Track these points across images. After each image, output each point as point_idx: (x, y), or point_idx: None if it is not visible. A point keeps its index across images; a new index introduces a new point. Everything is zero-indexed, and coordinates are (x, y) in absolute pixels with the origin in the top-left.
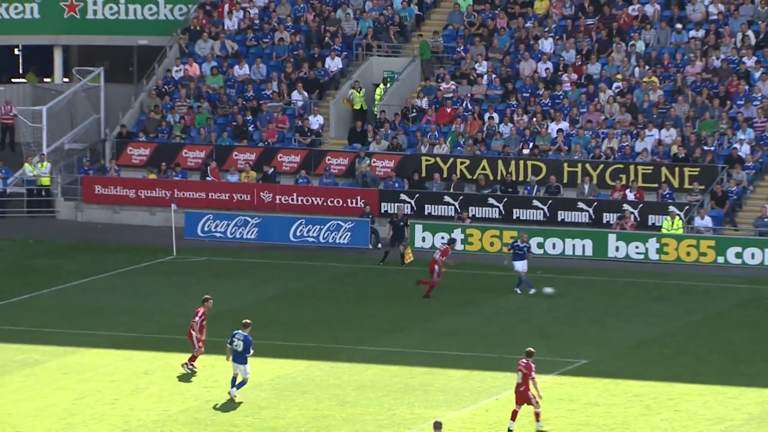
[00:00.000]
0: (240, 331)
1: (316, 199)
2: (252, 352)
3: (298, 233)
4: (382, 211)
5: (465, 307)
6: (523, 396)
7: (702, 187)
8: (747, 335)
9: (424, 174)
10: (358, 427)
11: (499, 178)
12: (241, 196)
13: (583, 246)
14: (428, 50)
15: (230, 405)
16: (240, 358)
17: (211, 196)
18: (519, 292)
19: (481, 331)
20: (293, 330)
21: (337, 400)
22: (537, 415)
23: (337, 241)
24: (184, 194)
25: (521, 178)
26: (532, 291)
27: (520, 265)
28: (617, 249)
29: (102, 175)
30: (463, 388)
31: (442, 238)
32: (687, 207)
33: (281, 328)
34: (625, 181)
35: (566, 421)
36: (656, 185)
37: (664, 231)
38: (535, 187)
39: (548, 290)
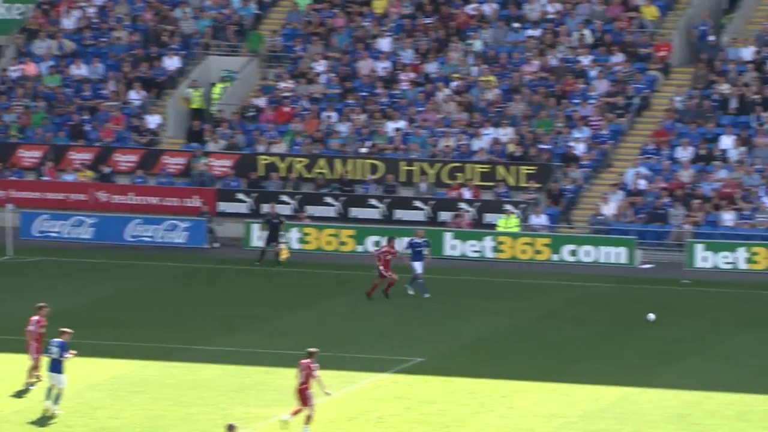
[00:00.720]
0: (57, 339)
1: (152, 199)
2: (68, 357)
3: (134, 233)
4: (219, 210)
5: (301, 306)
6: (303, 396)
7: (538, 185)
8: (581, 333)
9: (261, 173)
10: (193, 427)
11: (336, 176)
12: (77, 196)
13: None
14: (259, 42)
15: (63, 404)
16: (56, 367)
17: (47, 195)
18: (411, 292)
19: (317, 331)
20: (129, 330)
21: (173, 400)
22: (308, 418)
23: (174, 240)
24: (19, 194)
25: (359, 177)
26: (414, 293)
27: (419, 266)
28: (453, 247)
29: None
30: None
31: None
32: (523, 205)
33: (116, 328)
34: (462, 180)
35: (402, 419)
36: (493, 184)
37: (499, 229)
38: (373, 185)
39: (652, 317)
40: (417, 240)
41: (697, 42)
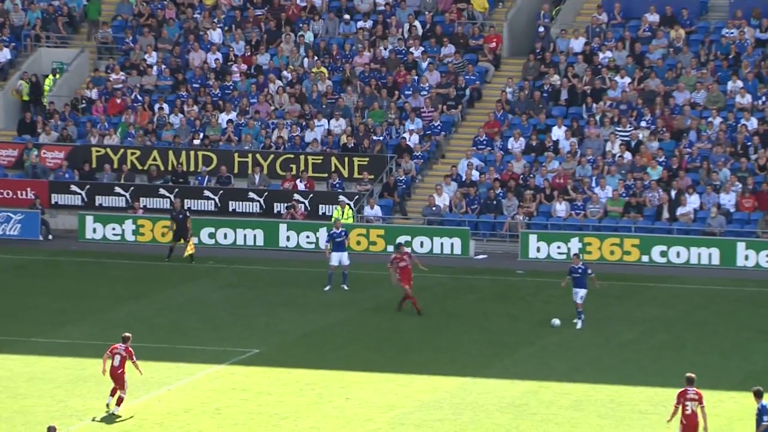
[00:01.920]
0: None
1: None
2: None
3: None
4: (53, 202)
5: (136, 298)
6: (119, 378)
7: (372, 176)
8: (417, 323)
9: (94, 165)
10: (29, 419)
11: (170, 168)
12: None
13: (255, 236)
14: (97, 12)
15: None
16: None
17: None
18: (346, 288)
19: (153, 322)
20: None
21: (9, 392)
22: (120, 400)
23: (8, 232)
24: None
25: (192, 169)
26: (333, 287)
27: (337, 258)
28: (288, 239)
29: None
30: (135, 379)
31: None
32: (357, 196)
33: None
34: (296, 171)
35: (239, 410)
36: (326, 175)
37: (334, 220)
38: (206, 177)
39: (556, 322)
40: (335, 230)
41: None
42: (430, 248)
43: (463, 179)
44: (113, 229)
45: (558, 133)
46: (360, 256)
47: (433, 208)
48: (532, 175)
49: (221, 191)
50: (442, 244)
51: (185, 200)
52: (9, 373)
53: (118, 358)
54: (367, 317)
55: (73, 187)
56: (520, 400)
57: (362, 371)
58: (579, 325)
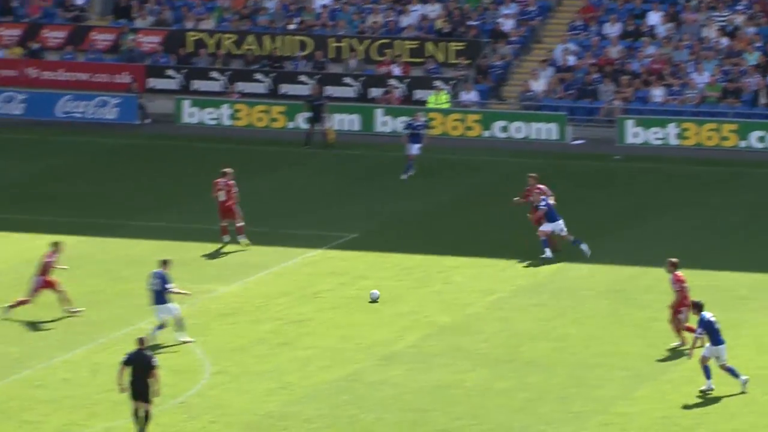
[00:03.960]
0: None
1: (82, 75)
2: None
3: (65, 109)
4: (149, 86)
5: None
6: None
7: (467, 61)
8: (515, 209)
9: (190, 49)
10: (130, 302)
11: (266, 53)
12: (7, 72)
13: (351, 120)
14: None
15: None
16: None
17: None
18: (405, 178)
19: (252, 206)
20: (62, 206)
21: (109, 276)
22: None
23: (105, 116)
24: None
25: (288, 54)
26: (404, 176)
27: (416, 149)
28: (384, 123)
29: None
30: (235, 263)
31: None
32: (453, 81)
33: (50, 204)
34: (391, 56)
35: (337, 294)
36: (422, 60)
37: (429, 105)
38: (302, 62)
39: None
40: (415, 121)
41: None
42: (526, 134)
43: (559, 64)
44: (210, 113)
45: (654, 18)
46: (456, 141)
47: (529, 93)
48: (628, 61)
49: (317, 76)
50: (538, 129)
51: (281, 84)
52: (109, 256)
53: (222, 193)
54: (466, 202)
55: (170, 71)
56: (618, 286)
57: (461, 256)
58: None
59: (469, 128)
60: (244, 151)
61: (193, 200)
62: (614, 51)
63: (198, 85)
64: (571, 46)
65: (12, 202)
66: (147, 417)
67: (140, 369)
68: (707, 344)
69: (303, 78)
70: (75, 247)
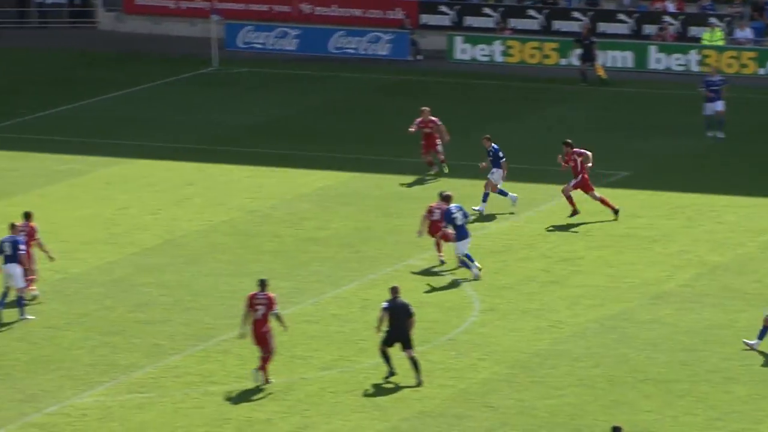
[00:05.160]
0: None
1: (355, 11)
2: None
3: (337, 44)
4: (422, 22)
5: (504, 119)
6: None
7: None
8: None
9: None
10: (401, 238)
11: None
12: (280, 8)
13: (624, 57)
14: None
15: (272, 215)
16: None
17: (251, 7)
18: (716, 136)
19: (523, 144)
20: (334, 141)
21: (380, 212)
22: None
23: (377, 52)
24: (224, 5)
25: None
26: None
27: (720, 105)
28: (658, 60)
29: None
30: (505, 200)
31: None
32: (728, 18)
33: (323, 139)
34: None
35: (607, 232)
36: None
37: (704, 43)
38: None
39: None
40: (711, 78)
41: None
42: None
43: None
44: (482, 49)
45: None
46: (731, 78)
47: None
48: None
49: (591, 12)
50: None
51: (554, 21)
52: (381, 192)
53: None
54: (739, 141)
55: (442, 7)
56: None
57: (734, 195)
58: None
59: (743, 65)
60: (516, 87)
61: (463, 137)
62: None
63: (470, 21)
64: None
65: (286, 137)
66: (415, 363)
67: (398, 317)
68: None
69: (576, 14)
70: (347, 183)
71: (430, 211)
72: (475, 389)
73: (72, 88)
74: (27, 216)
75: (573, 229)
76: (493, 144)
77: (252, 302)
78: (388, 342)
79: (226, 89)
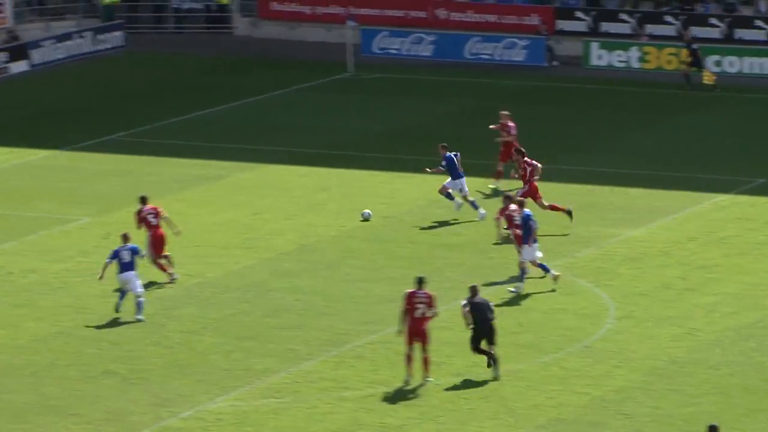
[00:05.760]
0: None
1: (490, 17)
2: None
3: (473, 50)
4: (558, 28)
5: (641, 126)
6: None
7: None
8: None
9: None
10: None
11: None
12: (416, 13)
13: (761, 64)
14: None
15: (406, 220)
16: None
17: (387, 12)
18: None
19: (659, 151)
20: (469, 148)
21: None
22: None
23: (513, 58)
24: (359, 11)
25: None
26: None
27: None
28: None
29: None
30: (641, 207)
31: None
32: None
33: (456, 145)
34: None
35: (744, 240)
36: None
37: None
38: (713, 4)
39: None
40: None
41: None
42: None
43: None
44: (618, 55)
45: None
46: None
47: None
48: None
49: (728, 18)
50: None
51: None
52: None
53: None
54: None
55: (579, 13)
56: None
57: None
58: None
59: None
60: (652, 94)
61: (599, 143)
62: None
63: (607, 27)
64: None
65: (418, 143)
66: (495, 360)
67: (481, 314)
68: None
69: (713, 21)
70: (481, 189)
71: (510, 217)
72: (611, 397)
73: (208, 93)
74: (144, 200)
75: (709, 237)
76: (448, 152)
77: (411, 300)
78: (476, 340)
79: (361, 95)
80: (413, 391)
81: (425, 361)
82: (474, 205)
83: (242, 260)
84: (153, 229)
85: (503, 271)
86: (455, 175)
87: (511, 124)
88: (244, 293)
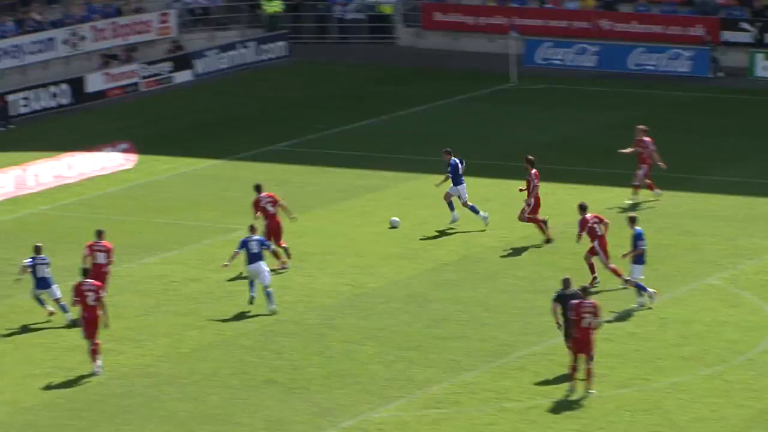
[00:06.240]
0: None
1: (655, 27)
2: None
3: (637, 61)
4: (723, 39)
5: None
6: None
7: None
8: None
9: (766, 2)
10: (700, 257)
11: None
12: (580, 24)
13: None
14: None
15: (569, 231)
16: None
17: (550, 23)
18: None
19: None
20: (628, 159)
21: (678, 230)
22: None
23: (677, 69)
24: (523, 21)
25: None
26: None
27: None
28: None
29: (443, 1)
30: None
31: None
32: None
33: (618, 157)
34: None
35: None
36: None
37: None
38: None
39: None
40: None
41: None
42: None
43: None
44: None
45: None
46: None
47: None
48: None
49: None
50: None
51: None
52: (677, 210)
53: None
54: None
55: (744, 24)
56: None
57: None
58: None
59: None
60: None
61: (759, 155)
62: None
63: None
64: None
65: (582, 154)
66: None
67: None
68: None
69: None
70: (645, 201)
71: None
72: None
73: (370, 103)
74: (259, 188)
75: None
76: (453, 158)
77: (578, 310)
78: (568, 336)
79: (524, 105)
80: (575, 403)
81: (588, 374)
82: (474, 210)
83: (404, 270)
84: (270, 217)
85: (668, 284)
86: (456, 181)
87: (647, 139)
88: (405, 304)
